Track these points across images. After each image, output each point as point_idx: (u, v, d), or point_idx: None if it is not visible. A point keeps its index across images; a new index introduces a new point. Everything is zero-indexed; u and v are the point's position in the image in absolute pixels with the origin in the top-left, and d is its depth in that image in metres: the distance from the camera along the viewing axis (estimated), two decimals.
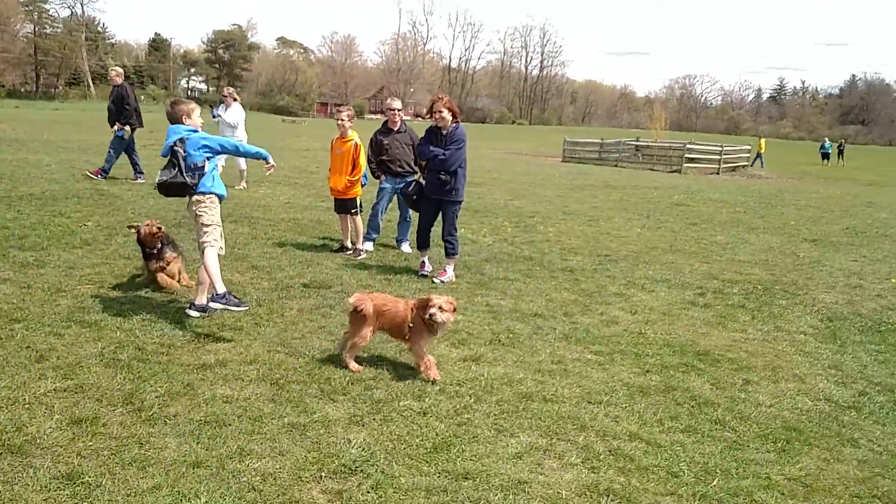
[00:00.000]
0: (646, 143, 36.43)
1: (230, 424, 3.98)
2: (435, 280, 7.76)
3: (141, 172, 14.00)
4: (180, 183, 5.55)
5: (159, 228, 6.58)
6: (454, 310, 4.90)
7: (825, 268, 9.96)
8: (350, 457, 3.70)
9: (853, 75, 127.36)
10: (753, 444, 4.16)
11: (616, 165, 32.69)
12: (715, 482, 3.68)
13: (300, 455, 3.70)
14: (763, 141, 38.39)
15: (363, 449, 3.80)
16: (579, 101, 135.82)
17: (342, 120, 8.69)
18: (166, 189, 5.63)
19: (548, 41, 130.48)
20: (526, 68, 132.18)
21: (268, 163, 6.09)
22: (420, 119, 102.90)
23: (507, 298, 7.23)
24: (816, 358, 5.97)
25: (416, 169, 9.06)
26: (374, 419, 4.18)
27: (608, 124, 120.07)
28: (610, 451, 3.96)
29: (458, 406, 4.44)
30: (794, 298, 8.03)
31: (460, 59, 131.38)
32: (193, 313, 5.78)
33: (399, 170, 9.08)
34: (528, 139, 60.06)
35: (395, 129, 9.23)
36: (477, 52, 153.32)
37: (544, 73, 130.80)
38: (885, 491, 3.73)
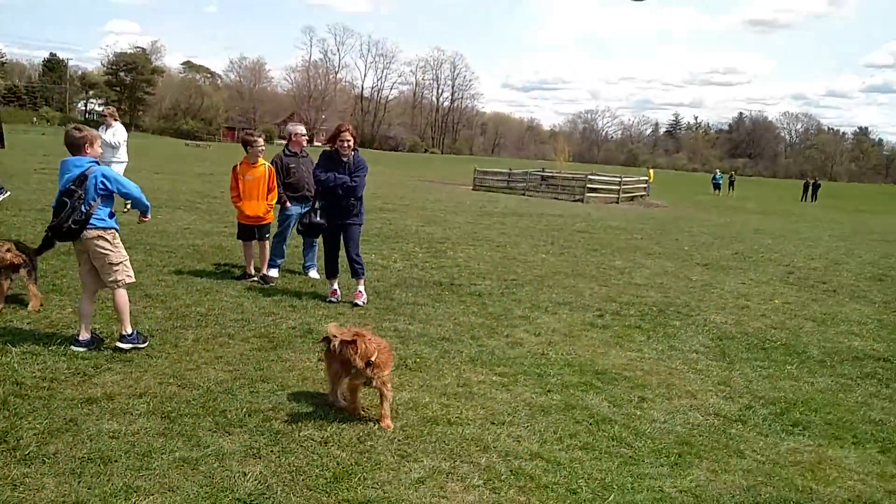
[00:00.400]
0: (551, 174, 37.74)
1: (116, 461, 3.73)
2: (357, 303, 7.75)
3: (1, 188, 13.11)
4: (76, 226, 5.23)
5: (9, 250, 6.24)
6: (354, 335, 4.31)
7: (716, 290, 10.55)
8: (245, 490, 3.55)
9: (740, 112, 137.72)
10: (648, 459, 4.32)
11: (524, 194, 33.63)
12: (612, 498, 3.78)
13: (191, 490, 3.51)
14: (651, 171, 40.73)
15: (259, 482, 3.65)
16: (489, 133, 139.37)
17: (260, 146, 8.53)
18: (62, 234, 5.30)
19: (458, 74, 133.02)
20: (437, 99, 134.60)
21: (144, 217, 5.97)
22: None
23: (415, 323, 7.22)
24: (707, 375, 6.28)
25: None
26: (271, 451, 4.03)
27: (517, 155, 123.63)
28: (512, 471, 4.00)
29: (360, 433, 4.36)
30: (686, 319, 8.45)
31: (373, 88, 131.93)
32: (79, 349, 5.42)
33: (307, 194, 8.94)
34: (440, 168, 60.84)
35: (300, 153, 9.13)
36: (389, 82, 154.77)
37: (455, 104, 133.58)
38: (766, 498, 3.95)
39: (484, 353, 6.34)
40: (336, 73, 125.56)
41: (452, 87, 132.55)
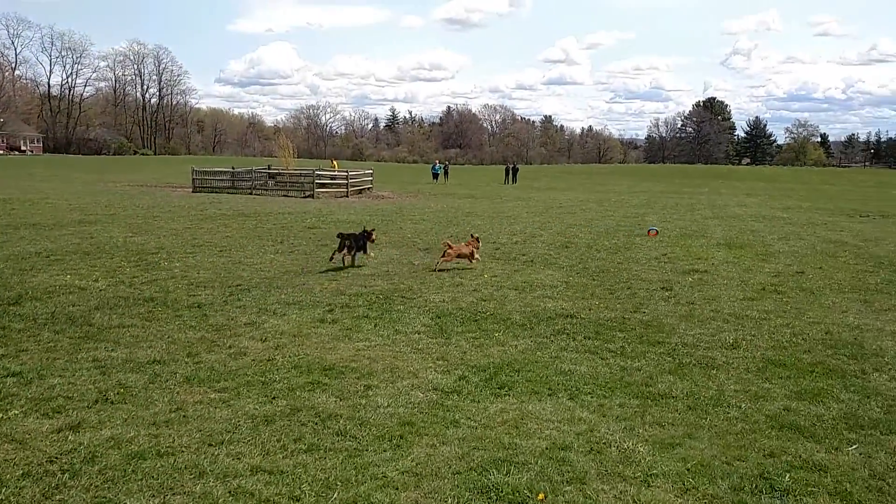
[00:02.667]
0: (278, 171, 36.89)
1: None
2: None
3: None
4: None
5: None
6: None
7: (435, 272, 11.23)
8: None
9: (448, 106, 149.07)
10: (372, 447, 4.39)
11: (250, 193, 32.35)
12: (335, 495, 3.76)
13: None
14: (335, 162, 42.56)
15: None
16: (207, 130, 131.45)
17: None
18: None
19: (164, 69, 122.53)
20: (143, 96, 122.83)
21: None
22: (16, 153, 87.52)
23: (119, 349, 6.45)
24: (427, 353, 6.63)
25: None
26: None
27: (240, 153, 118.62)
28: (230, 491, 3.76)
29: (45, 489, 3.74)
30: (409, 302, 8.85)
31: (62, 86, 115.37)
32: None
33: None
34: (154, 170, 55.80)
35: None
36: (82, 78, 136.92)
37: (164, 101, 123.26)
38: (478, 461, 4.27)
39: (202, 369, 5.91)
40: (13, 69, 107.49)
41: (159, 83, 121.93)
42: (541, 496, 3.86)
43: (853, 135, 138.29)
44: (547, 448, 4.51)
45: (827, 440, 4.71)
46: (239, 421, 4.79)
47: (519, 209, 25.32)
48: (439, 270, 11.20)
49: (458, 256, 11.46)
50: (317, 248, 13.73)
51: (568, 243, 15.12)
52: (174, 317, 7.79)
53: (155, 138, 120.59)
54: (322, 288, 9.63)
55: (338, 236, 11.87)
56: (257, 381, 5.65)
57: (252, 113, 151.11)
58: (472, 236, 12.47)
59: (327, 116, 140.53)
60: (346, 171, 35.34)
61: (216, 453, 4.24)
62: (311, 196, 31.38)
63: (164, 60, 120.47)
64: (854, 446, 4.60)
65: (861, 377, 6.11)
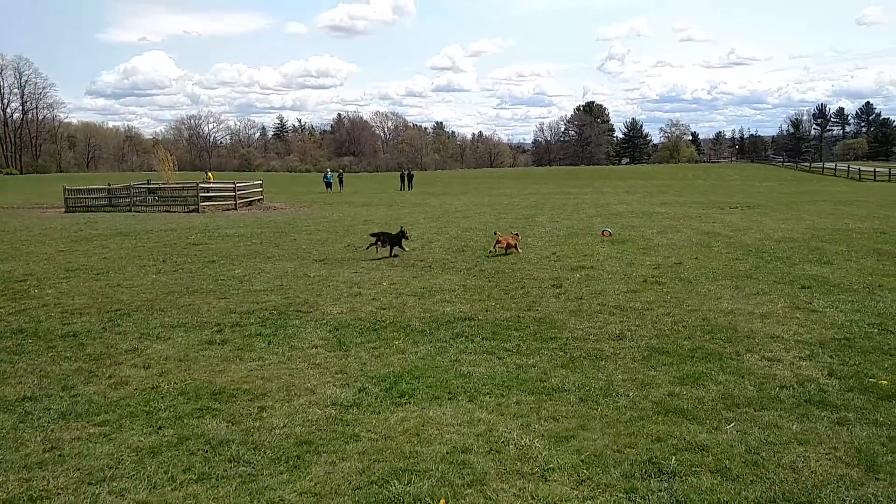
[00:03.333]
0: (158, 185, 35.09)
1: None
2: None
3: None
4: None
5: None
6: None
7: (332, 283, 11.05)
8: None
9: (339, 114, 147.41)
10: (267, 471, 4.24)
11: (129, 210, 30.60)
12: None
13: None
14: (210, 174, 41.68)
15: None
16: (80, 146, 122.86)
17: None
18: None
19: (27, 82, 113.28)
20: (4, 112, 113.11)
21: None
22: None
23: None
24: (326, 367, 6.50)
25: None
26: None
27: (117, 168, 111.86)
28: None
29: None
30: (306, 316, 8.64)
31: None
32: None
33: None
34: (21, 190, 51.56)
35: None
36: None
37: (29, 116, 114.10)
38: (380, 474, 4.22)
39: (79, 403, 5.50)
40: None
41: (22, 97, 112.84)
42: (442, 502, 3.87)
43: (720, 132, 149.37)
44: (448, 453, 4.53)
45: (708, 421, 5.02)
46: (122, 455, 4.48)
47: (416, 215, 25.44)
48: (493, 256, 13.81)
49: (508, 246, 14.13)
50: (203, 265, 13.15)
51: (464, 247, 15.33)
52: (46, 348, 7.22)
53: (20, 156, 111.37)
54: (210, 307, 9.24)
55: (371, 235, 14.77)
56: (141, 411, 5.32)
57: (128, 126, 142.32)
58: (512, 233, 15.02)
59: (210, 126, 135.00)
60: (234, 183, 34.12)
61: (97, 492, 3.95)
62: (196, 210, 30.09)
63: (26, 72, 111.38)
64: (731, 424, 4.94)
65: (736, 359, 6.57)
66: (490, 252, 14.13)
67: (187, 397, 5.61)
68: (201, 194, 31.29)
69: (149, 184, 34.51)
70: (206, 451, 4.52)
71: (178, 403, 5.47)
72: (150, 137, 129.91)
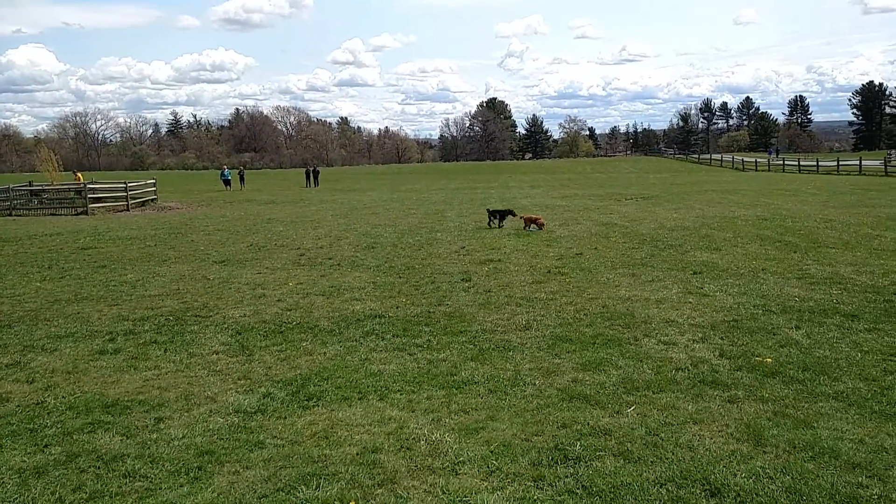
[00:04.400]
0: (41, 187, 32.69)
1: None
2: None
3: None
4: None
5: None
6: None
7: (233, 285, 10.65)
8: None
9: (237, 108, 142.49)
10: (166, 484, 4.02)
11: (9, 215, 28.33)
12: None
13: None
14: (80, 174, 40.00)
15: None
16: None
17: None
18: None
19: None
20: None
21: None
22: None
23: None
24: (228, 374, 6.24)
25: None
26: None
27: None
28: None
29: None
30: (205, 321, 8.28)
31: None
32: None
33: None
34: None
35: None
36: None
37: None
38: (287, 480, 4.09)
39: None
40: None
41: None
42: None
43: (615, 127, 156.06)
44: (358, 454, 4.46)
45: (609, 405, 5.20)
46: (3, 478, 4.13)
47: (323, 212, 24.98)
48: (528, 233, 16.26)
49: (533, 222, 16.86)
50: (93, 270, 12.36)
51: (374, 244, 15.20)
52: None
53: None
54: (101, 315, 8.69)
55: (487, 210, 18.84)
56: (24, 429, 4.92)
57: (5, 124, 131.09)
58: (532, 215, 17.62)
59: (98, 124, 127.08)
60: (125, 183, 32.27)
61: None
62: (85, 213, 28.28)
63: None
64: (632, 408, 5.14)
65: (634, 344, 6.85)
66: (525, 229, 16.71)
67: (77, 411, 5.24)
68: (90, 195, 29.42)
69: (31, 185, 32.10)
70: (99, 468, 4.23)
71: (67, 419, 5.09)
72: (31, 136, 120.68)
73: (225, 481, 4.06)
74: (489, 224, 17.92)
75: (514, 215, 17.96)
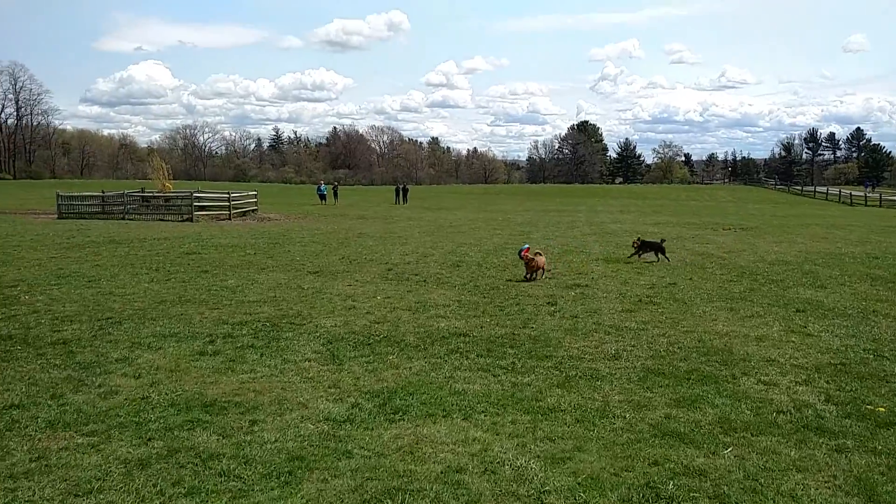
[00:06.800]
0: (152, 194, 34.97)
1: None
2: None
3: None
4: None
5: None
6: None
7: (326, 295, 10.97)
8: None
9: (334, 127, 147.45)
10: (258, 486, 4.16)
11: (123, 218, 30.43)
12: None
13: None
14: (170, 184, 41.50)
15: None
16: (74, 153, 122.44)
17: None
18: None
19: (21, 88, 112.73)
20: None
21: None
22: None
23: None
24: (318, 381, 6.42)
25: None
26: None
27: (112, 176, 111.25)
28: None
29: None
30: (299, 329, 8.56)
31: None
32: None
33: None
34: (13, 195, 51.23)
35: None
36: None
37: (24, 122, 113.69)
38: (373, 493, 4.14)
39: (67, 412, 5.40)
40: None
41: (17, 103, 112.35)
42: None
43: (713, 154, 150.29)
44: (442, 472, 4.46)
45: (705, 445, 4.97)
46: (110, 467, 4.39)
47: (410, 229, 25.40)
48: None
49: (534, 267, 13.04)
50: (196, 274, 13.05)
51: (459, 262, 15.29)
52: (36, 355, 7.11)
53: (14, 161, 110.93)
54: (202, 318, 9.14)
55: (638, 240, 16.24)
56: (130, 421, 5.22)
57: (123, 134, 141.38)
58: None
59: (206, 136, 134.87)
60: (228, 193, 34.01)
61: None
62: (190, 219, 29.97)
63: (21, 78, 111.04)
64: (729, 449, 4.89)
65: (732, 382, 6.53)
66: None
67: (178, 409, 5.53)
68: (195, 204, 31.18)
69: (143, 192, 34.38)
70: (196, 465, 4.44)
71: (169, 415, 5.38)
72: (145, 146, 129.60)
73: (314, 488, 4.15)
74: (638, 255, 15.67)
75: (663, 252, 15.51)
